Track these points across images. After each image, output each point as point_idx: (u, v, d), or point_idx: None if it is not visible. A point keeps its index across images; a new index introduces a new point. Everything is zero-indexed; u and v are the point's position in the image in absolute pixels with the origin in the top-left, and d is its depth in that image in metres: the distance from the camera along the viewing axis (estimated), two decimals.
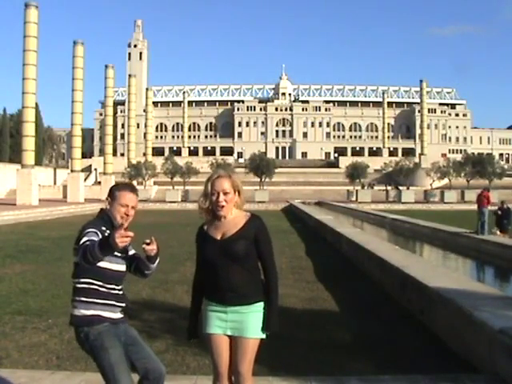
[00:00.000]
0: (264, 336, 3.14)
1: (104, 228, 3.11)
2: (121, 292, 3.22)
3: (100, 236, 2.99)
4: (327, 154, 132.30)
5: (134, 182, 67.63)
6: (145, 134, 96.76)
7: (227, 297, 3.07)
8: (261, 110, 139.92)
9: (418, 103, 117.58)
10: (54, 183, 73.40)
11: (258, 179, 64.54)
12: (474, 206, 20.78)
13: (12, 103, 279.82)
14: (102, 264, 3.00)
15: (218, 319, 3.12)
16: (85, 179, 66.07)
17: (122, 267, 3.21)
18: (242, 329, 3.08)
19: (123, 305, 3.23)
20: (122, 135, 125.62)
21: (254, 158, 68.09)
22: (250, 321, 3.08)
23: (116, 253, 3.07)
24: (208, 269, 3.14)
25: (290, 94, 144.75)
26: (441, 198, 54.53)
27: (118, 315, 3.19)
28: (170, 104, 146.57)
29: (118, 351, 3.06)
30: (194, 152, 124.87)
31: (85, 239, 2.97)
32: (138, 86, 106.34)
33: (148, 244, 3.09)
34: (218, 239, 3.13)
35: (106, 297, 3.12)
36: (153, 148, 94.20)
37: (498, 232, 18.72)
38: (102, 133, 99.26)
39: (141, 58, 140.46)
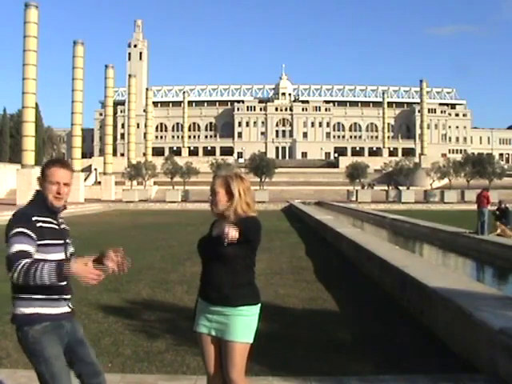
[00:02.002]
0: (251, 341, 3.05)
1: (36, 218, 2.79)
2: (65, 283, 2.84)
3: (31, 235, 2.71)
4: (327, 154, 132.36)
5: (134, 182, 67.84)
6: (145, 133, 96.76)
7: (211, 296, 3.03)
8: (261, 109, 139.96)
9: (418, 103, 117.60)
10: None
11: (258, 179, 64.53)
12: (474, 206, 20.77)
13: (12, 103, 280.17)
14: (38, 256, 2.73)
15: (204, 318, 3.09)
16: (85, 179, 66.12)
17: (60, 255, 2.87)
18: (227, 332, 3.00)
19: (68, 296, 2.94)
20: (122, 135, 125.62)
21: (254, 158, 68.11)
22: (235, 324, 3.00)
23: (53, 241, 2.83)
24: (202, 264, 3.16)
25: (290, 94, 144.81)
26: (441, 198, 54.51)
27: (62, 309, 2.90)
28: (170, 104, 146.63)
29: (59, 362, 2.82)
30: (194, 152, 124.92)
31: (16, 249, 2.65)
32: (138, 86, 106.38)
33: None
34: (212, 237, 3.13)
35: (46, 290, 2.75)
36: (153, 148, 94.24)
37: (498, 223, 18.73)
38: (102, 133, 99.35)
39: (141, 58, 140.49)
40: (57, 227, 2.91)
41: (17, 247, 2.66)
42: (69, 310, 2.96)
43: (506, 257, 14.51)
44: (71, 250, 3.03)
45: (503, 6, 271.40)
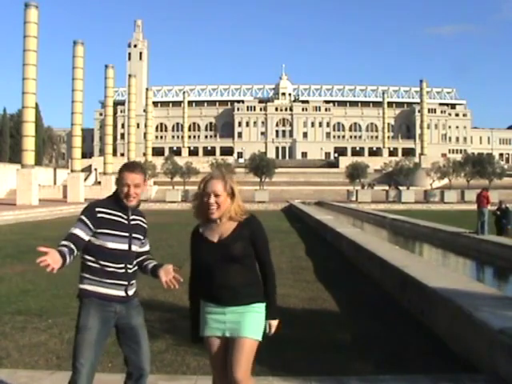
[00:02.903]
0: (260, 339, 3.08)
1: (99, 209, 3.16)
2: (121, 270, 3.18)
3: (88, 223, 3.11)
4: (327, 154, 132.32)
5: None
6: (145, 133, 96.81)
7: (225, 297, 3.03)
8: (261, 110, 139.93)
9: (417, 103, 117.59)
10: (54, 183, 73.36)
11: (258, 179, 64.54)
12: (474, 206, 20.78)
13: (12, 103, 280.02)
14: (97, 242, 3.13)
15: (215, 321, 3.07)
16: (85, 179, 66.08)
17: (123, 246, 3.19)
18: (239, 329, 3.02)
19: (125, 283, 3.20)
20: (122, 135, 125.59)
21: (254, 157, 68.10)
22: (247, 320, 3.03)
23: (114, 231, 3.15)
24: (205, 271, 3.09)
25: (290, 94, 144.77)
26: (441, 198, 54.53)
27: (114, 292, 3.17)
28: (170, 104, 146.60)
29: (87, 334, 3.10)
30: (193, 152, 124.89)
31: (71, 231, 3.14)
32: (138, 86, 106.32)
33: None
34: (216, 242, 3.08)
35: (98, 273, 3.14)
36: (153, 148, 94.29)
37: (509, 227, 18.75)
38: (102, 133, 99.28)
39: (141, 58, 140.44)
40: (125, 221, 3.21)
41: (72, 230, 3.14)
42: (124, 294, 3.20)
43: (506, 257, 14.52)
44: (146, 247, 3.42)
45: (503, 5, 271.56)
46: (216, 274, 3.04)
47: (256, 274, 3.14)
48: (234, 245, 3.03)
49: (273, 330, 3.17)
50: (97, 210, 3.15)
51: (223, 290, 3.03)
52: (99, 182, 71.04)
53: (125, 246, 3.19)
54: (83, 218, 3.14)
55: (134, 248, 3.25)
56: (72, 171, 56.37)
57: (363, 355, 5.37)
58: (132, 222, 3.25)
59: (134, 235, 3.24)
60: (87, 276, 3.18)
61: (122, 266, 3.19)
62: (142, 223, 3.32)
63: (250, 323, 3.03)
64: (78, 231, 3.11)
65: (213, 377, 3.20)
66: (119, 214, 3.19)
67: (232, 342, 3.04)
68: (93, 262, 3.16)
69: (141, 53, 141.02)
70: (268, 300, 3.13)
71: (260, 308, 3.09)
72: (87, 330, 3.10)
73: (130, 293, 3.23)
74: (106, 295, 3.14)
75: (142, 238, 3.31)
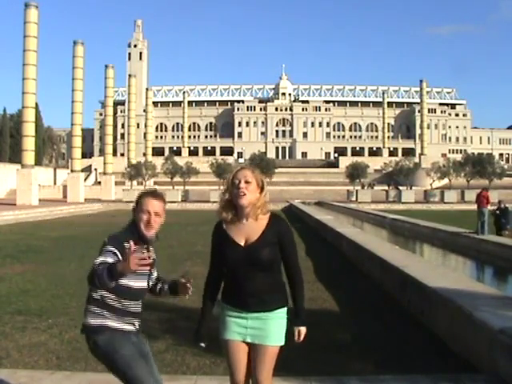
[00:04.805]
0: (283, 343, 3.03)
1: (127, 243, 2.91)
2: (138, 308, 3.04)
3: (119, 255, 2.81)
4: (327, 154, 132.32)
5: (134, 182, 67.85)
6: (145, 133, 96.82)
7: (249, 303, 2.95)
8: (261, 109, 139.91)
9: (417, 103, 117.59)
10: (54, 183, 73.37)
11: None
12: (474, 206, 20.77)
13: (12, 103, 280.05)
14: (122, 281, 2.85)
15: (237, 325, 3.00)
16: (85, 179, 66.05)
17: (143, 284, 3.03)
18: (263, 336, 2.96)
19: (138, 321, 3.06)
20: (122, 135, 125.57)
21: (254, 157, 68.25)
22: (272, 328, 2.97)
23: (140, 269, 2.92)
24: (230, 275, 3.01)
25: (290, 94, 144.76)
26: (441, 198, 54.51)
27: (129, 327, 3.01)
28: (170, 104, 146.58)
29: (131, 350, 2.92)
30: (193, 152, 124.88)
31: (99, 260, 2.79)
32: (138, 86, 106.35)
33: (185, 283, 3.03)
34: (242, 245, 2.97)
35: (119, 312, 2.96)
36: (153, 148, 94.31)
37: (507, 232, 18.76)
38: (102, 133, 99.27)
39: (141, 58, 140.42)
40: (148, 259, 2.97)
41: (101, 259, 2.79)
42: (138, 328, 3.06)
43: (506, 257, 14.51)
44: (154, 275, 3.17)
45: (501, 5, 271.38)
46: (242, 280, 2.95)
47: (281, 279, 3.06)
48: (263, 251, 2.93)
49: (302, 337, 3.09)
50: (124, 244, 2.85)
51: (248, 297, 2.95)
52: (99, 182, 71.02)
53: (144, 284, 3.05)
54: (114, 249, 2.84)
55: (149, 283, 3.11)
56: (72, 171, 56.34)
57: (363, 355, 5.37)
58: (151, 257, 3.02)
59: (152, 271, 3.10)
60: (105, 314, 2.94)
61: (138, 302, 3.05)
62: (155, 256, 3.13)
63: (274, 331, 2.98)
64: (110, 260, 2.79)
65: (230, 379, 3.09)
66: (142, 250, 2.96)
67: (255, 347, 2.99)
68: (113, 299, 2.94)
69: (141, 53, 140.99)
70: (296, 306, 3.06)
71: (283, 313, 3.03)
72: (130, 347, 2.93)
73: (138, 326, 3.10)
74: (123, 329, 2.99)
75: (155, 272, 3.17)
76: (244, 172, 3.01)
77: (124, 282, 2.86)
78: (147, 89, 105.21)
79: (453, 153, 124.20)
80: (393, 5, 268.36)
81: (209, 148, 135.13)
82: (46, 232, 21.14)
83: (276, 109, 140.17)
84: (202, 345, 3.08)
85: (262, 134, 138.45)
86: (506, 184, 62.90)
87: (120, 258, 2.79)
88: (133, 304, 3.01)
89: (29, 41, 45.47)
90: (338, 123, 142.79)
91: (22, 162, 45.63)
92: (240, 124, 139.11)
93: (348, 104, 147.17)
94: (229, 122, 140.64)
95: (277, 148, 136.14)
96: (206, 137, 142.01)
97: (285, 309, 3.05)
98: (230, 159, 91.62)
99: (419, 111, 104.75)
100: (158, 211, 3.01)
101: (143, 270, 2.87)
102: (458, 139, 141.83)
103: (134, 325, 3.03)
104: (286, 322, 3.06)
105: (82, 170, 60.64)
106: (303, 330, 3.09)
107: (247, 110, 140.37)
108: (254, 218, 2.99)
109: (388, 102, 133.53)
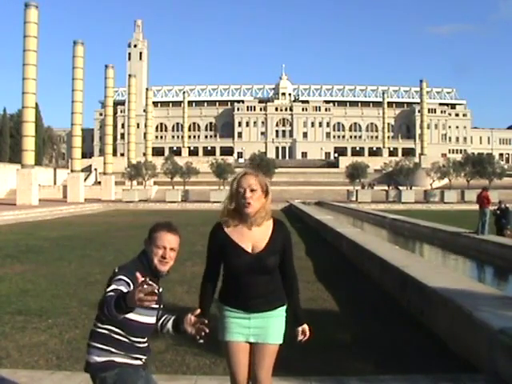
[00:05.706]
0: (282, 341, 3.08)
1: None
2: (145, 344, 2.91)
3: (131, 285, 2.65)
4: (327, 154, 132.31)
5: (134, 182, 67.82)
6: (145, 133, 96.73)
7: (252, 304, 2.98)
8: (261, 109, 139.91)
9: (418, 103, 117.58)
10: (54, 183, 73.40)
11: None
12: (474, 206, 20.79)
13: (12, 103, 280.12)
14: (131, 315, 2.68)
15: (239, 326, 3.01)
16: (85, 179, 66.08)
17: (152, 319, 2.90)
18: (265, 335, 3.01)
19: (145, 357, 2.92)
20: (122, 135, 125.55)
21: (254, 157, 68.21)
22: (273, 326, 3.02)
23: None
24: (233, 279, 3.01)
25: (290, 94, 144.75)
26: (441, 198, 54.50)
27: (137, 362, 2.88)
28: (170, 104, 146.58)
29: (143, 381, 2.82)
30: (194, 152, 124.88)
31: (111, 288, 2.64)
32: (138, 86, 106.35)
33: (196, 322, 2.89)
34: (250, 252, 2.97)
35: (127, 348, 2.81)
36: (153, 148, 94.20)
37: (508, 232, 18.75)
38: (101, 133, 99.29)
39: (141, 58, 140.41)
40: (156, 292, 2.80)
41: (114, 287, 2.65)
42: (142, 363, 2.92)
43: (505, 257, 14.51)
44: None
45: (501, 5, 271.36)
46: (245, 284, 2.96)
47: (279, 279, 3.10)
48: (270, 258, 2.97)
49: (307, 333, 3.15)
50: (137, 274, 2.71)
51: (252, 299, 2.98)
52: (99, 182, 71.03)
53: (153, 320, 2.92)
54: (126, 279, 2.70)
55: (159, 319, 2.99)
56: (72, 171, 56.36)
57: (363, 355, 5.37)
58: (160, 292, 2.94)
59: (161, 306, 2.98)
60: (111, 349, 2.79)
61: (146, 339, 2.93)
62: (162, 290, 3.02)
63: (275, 329, 3.03)
64: (123, 289, 2.64)
65: (231, 380, 3.09)
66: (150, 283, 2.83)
67: (257, 347, 3.02)
68: (120, 335, 2.79)
69: (141, 53, 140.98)
70: (294, 304, 3.12)
71: (283, 311, 3.09)
72: (142, 380, 2.81)
73: (145, 360, 2.98)
74: (131, 364, 2.86)
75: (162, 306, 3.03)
76: (248, 180, 2.98)
77: (132, 316, 2.72)
78: (147, 89, 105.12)
79: (453, 153, 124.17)
80: (393, 4, 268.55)
81: (209, 148, 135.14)
82: (46, 232, 21.14)
83: (276, 109, 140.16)
84: (201, 341, 3.02)
85: (262, 133, 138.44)
86: (506, 184, 62.90)
87: (132, 287, 2.66)
88: (141, 341, 2.89)
89: (29, 41, 45.49)
90: (338, 123, 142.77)
91: (22, 162, 45.65)
92: (240, 124, 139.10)
93: (348, 104, 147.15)
94: (229, 122, 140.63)
95: (277, 148, 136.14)
96: (206, 137, 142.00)
97: (284, 307, 3.10)
98: (230, 159, 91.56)
99: (419, 111, 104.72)
100: (173, 247, 2.90)
101: (151, 304, 2.61)
102: (457, 139, 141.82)
103: (141, 360, 2.91)
104: (285, 320, 3.11)
105: (82, 170, 60.65)
106: (306, 327, 3.15)
107: (247, 109, 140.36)
108: (258, 224, 3.01)
109: (388, 102, 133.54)
